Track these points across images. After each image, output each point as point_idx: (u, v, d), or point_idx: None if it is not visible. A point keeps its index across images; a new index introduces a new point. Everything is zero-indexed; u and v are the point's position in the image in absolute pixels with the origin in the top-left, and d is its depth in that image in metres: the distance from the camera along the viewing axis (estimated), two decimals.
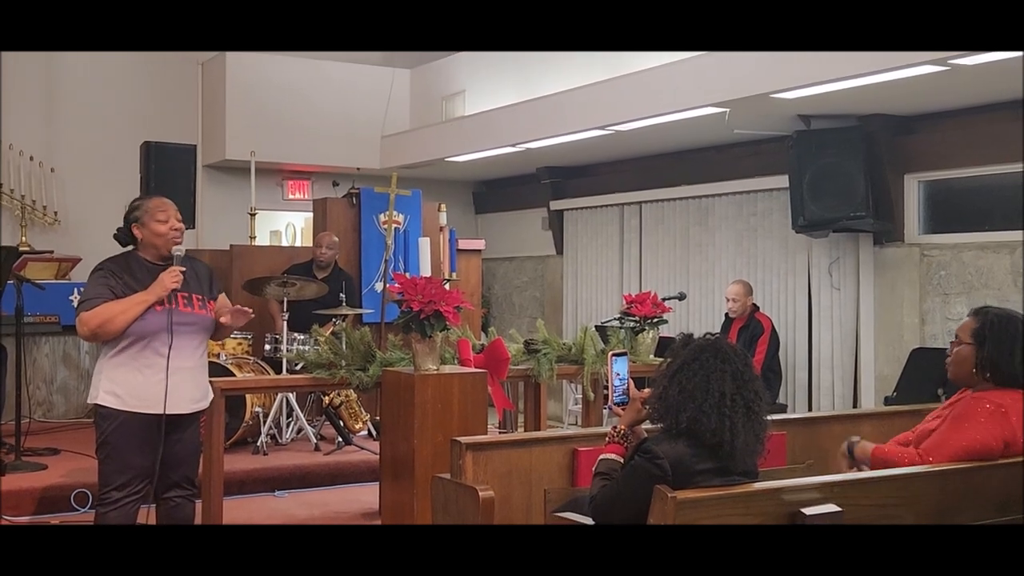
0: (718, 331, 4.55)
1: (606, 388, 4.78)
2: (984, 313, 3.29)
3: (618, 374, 3.18)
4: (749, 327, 7.12)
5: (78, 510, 5.39)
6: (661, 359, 2.96)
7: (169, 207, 3.88)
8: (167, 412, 3.74)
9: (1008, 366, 3.19)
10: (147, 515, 3.91)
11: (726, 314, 7.38)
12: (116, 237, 3.93)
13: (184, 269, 3.83)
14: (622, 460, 2.93)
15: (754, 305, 7.28)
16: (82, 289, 3.94)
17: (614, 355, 3.22)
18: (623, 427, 3.03)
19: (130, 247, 3.90)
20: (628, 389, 3.18)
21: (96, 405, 3.80)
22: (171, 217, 3.86)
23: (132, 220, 3.85)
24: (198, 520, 4.95)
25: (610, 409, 3.28)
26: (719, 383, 2.73)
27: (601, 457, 3.00)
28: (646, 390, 2.99)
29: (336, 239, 7.60)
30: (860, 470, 3.30)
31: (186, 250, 3.96)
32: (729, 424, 2.69)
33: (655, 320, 6.11)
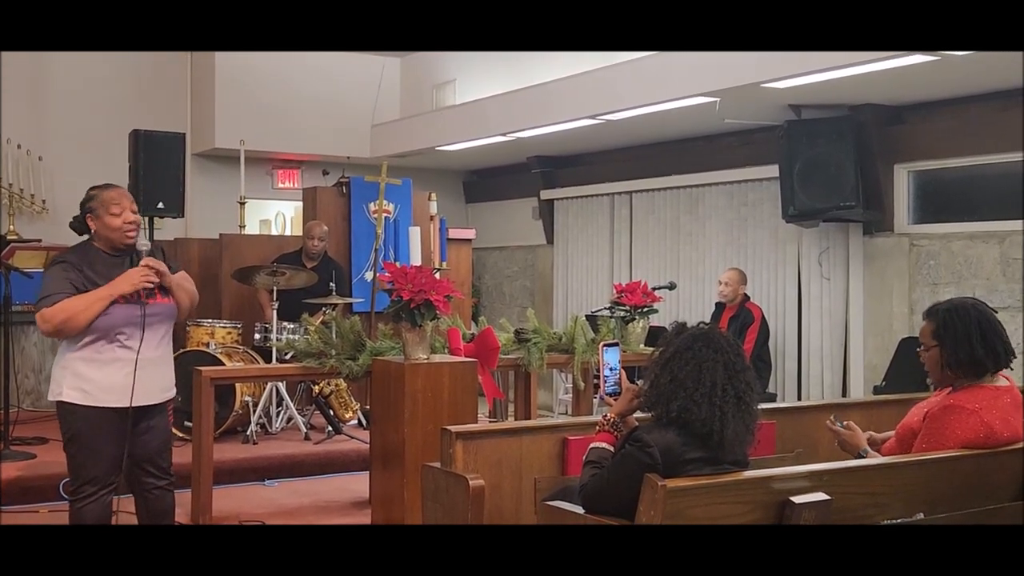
0: (709, 320, 4.54)
1: (596, 378, 4.79)
2: (936, 312, 3.23)
3: (609, 364, 3.18)
4: (739, 316, 7.15)
5: (66, 499, 5.35)
6: (652, 348, 2.96)
7: (124, 199, 3.71)
8: (138, 404, 3.65)
9: (974, 357, 3.15)
10: (117, 504, 3.86)
11: (717, 302, 7.41)
12: (72, 226, 3.81)
13: (154, 265, 3.65)
14: (612, 449, 2.93)
15: (745, 295, 7.30)
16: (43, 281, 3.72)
17: (605, 346, 3.21)
18: (614, 415, 3.03)
19: (86, 236, 3.78)
20: (620, 380, 3.17)
21: (60, 403, 3.66)
22: (125, 210, 3.69)
23: (87, 211, 3.71)
24: (188, 509, 4.97)
25: (602, 399, 3.28)
26: (711, 373, 2.73)
27: (592, 446, 3.00)
28: (639, 381, 2.98)
29: (327, 229, 7.58)
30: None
31: (150, 241, 3.81)
32: (719, 414, 2.69)
33: (645, 309, 6.11)
